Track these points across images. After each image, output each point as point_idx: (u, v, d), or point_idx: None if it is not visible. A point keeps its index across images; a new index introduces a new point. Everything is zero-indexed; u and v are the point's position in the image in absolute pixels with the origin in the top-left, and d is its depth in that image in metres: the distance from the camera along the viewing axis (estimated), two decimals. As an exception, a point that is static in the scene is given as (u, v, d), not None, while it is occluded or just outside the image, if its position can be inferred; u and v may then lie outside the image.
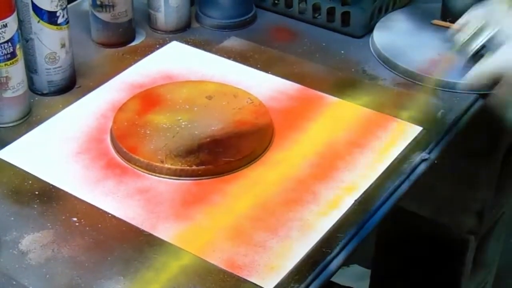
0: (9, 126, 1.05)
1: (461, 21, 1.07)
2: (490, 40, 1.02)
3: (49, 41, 1.07)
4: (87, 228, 0.89)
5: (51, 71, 1.09)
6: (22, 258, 0.85)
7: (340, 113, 1.08)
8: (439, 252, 1.46)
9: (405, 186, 0.97)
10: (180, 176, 0.96)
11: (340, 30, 1.27)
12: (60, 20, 1.06)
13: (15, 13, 1.00)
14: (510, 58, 0.97)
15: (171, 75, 1.15)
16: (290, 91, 1.12)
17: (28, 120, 1.06)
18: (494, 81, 1.01)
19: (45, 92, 1.10)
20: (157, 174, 0.96)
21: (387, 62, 1.17)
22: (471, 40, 1.05)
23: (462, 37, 1.06)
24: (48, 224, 0.89)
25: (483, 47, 1.04)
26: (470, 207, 1.42)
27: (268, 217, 0.91)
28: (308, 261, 0.85)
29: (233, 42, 1.24)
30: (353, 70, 1.18)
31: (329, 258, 0.86)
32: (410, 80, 1.14)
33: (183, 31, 1.27)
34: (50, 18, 1.05)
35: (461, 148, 1.23)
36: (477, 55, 1.04)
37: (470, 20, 1.06)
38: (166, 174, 0.96)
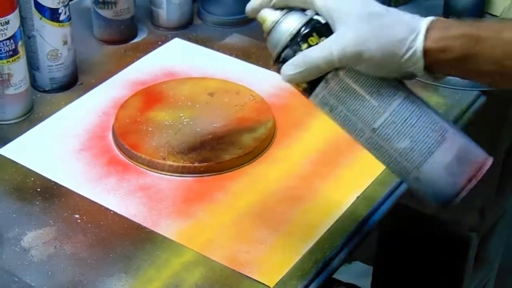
0: (11, 123, 1.05)
1: None
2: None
3: (51, 38, 1.07)
4: (89, 225, 0.89)
5: (53, 68, 1.09)
6: (24, 255, 0.85)
7: (342, 110, 1.07)
8: (441, 249, 1.46)
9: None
10: (182, 173, 0.96)
11: (342, 27, 1.26)
12: (62, 17, 1.06)
13: (17, 10, 1.00)
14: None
15: (173, 72, 1.15)
16: (292, 88, 1.12)
17: (30, 117, 1.06)
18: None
19: (47, 89, 1.10)
20: (159, 171, 0.96)
21: (389, 59, 1.17)
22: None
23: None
24: (50, 221, 0.89)
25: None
26: (472, 204, 1.42)
27: (270, 214, 0.91)
28: (310, 258, 0.85)
29: (235, 39, 1.24)
30: (355, 67, 1.17)
31: (331, 255, 0.86)
32: (412, 77, 1.14)
33: (185, 28, 1.26)
34: (52, 15, 1.05)
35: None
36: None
37: None
38: (168, 171, 0.96)
